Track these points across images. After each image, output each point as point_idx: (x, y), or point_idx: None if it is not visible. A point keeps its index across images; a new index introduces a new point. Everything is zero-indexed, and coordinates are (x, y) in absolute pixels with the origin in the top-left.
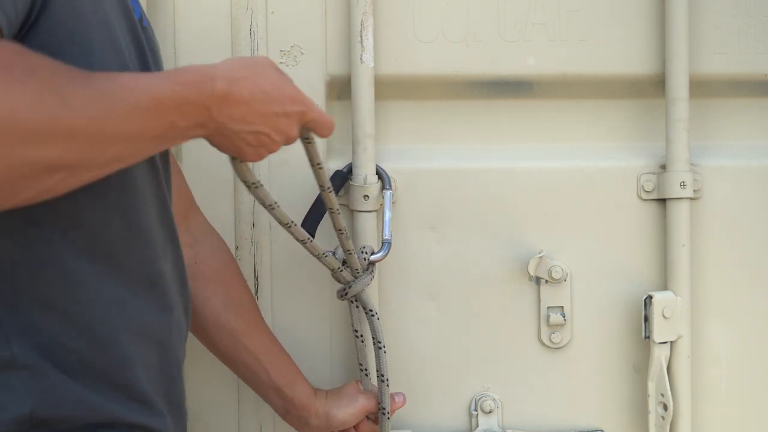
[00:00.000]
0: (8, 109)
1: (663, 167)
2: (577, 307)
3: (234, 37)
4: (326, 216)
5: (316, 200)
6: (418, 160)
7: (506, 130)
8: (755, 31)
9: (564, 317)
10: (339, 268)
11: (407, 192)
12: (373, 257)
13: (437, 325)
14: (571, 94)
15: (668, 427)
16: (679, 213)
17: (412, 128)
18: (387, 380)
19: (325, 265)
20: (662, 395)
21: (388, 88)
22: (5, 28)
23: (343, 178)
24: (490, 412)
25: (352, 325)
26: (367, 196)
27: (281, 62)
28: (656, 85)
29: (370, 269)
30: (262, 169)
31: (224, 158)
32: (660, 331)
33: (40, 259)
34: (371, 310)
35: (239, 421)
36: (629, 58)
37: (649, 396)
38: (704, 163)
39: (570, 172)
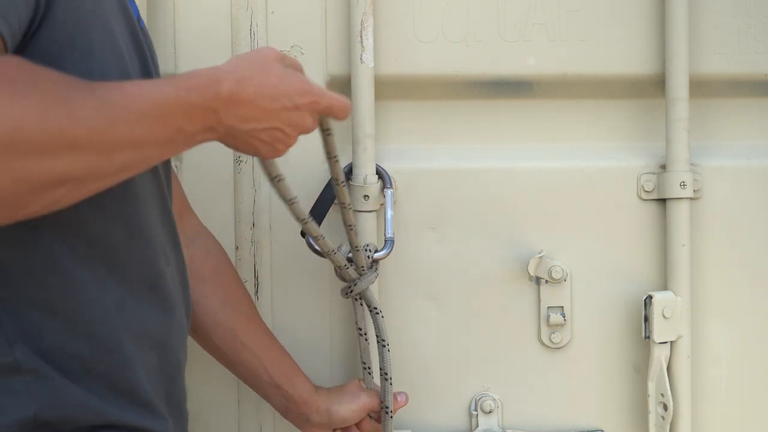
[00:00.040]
0: (12, 123)
1: (663, 167)
2: (577, 307)
3: (234, 37)
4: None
5: (319, 197)
6: (418, 160)
7: (506, 130)
8: (755, 31)
9: (564, 317)
10: (345, 265)
11: (407, 192)
12: (376, 255)
13: (437, 325)
14: (571, 94)
15: (668, 427)
16: (679, 213)
17: (412, 128)
18: (390, 379)
19: (333, 261)
20: (662, 395)
21: (388, 88)
22: (9, 39)
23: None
24: (490, 412)
25: (356, 323)
26: (367, 196)
27: None
28: (656, 85)
29: (374, 267)
30: None
31: (224, 158)
32: (660, 331)
33: (41, 263)
34: (376, 308)
35: (239, 421)
36: (629, 58)
37: (649, 396)
38: (704, 163)
39: (570, 172)
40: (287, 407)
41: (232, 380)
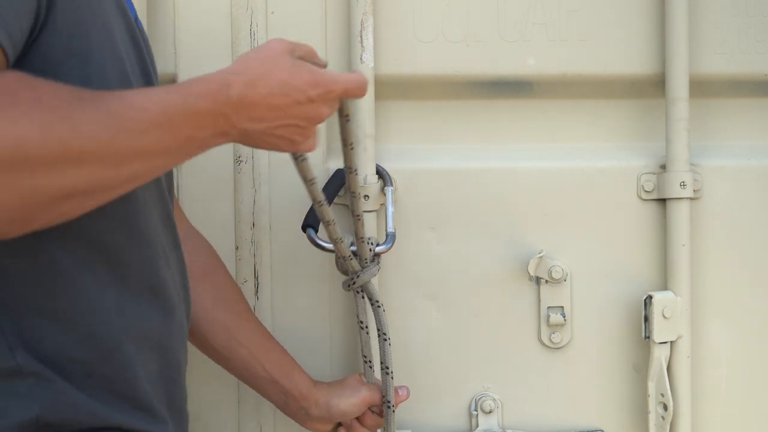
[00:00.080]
0: (15, 141)
1: (663, 167)
2: (577, 307)
3: (234, 37)
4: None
5: (327, 183)
6: (418, 160)
7: (506, 130)
8: (755, 31)
9: (564, 317)
10: (350, 255)
11: (407, 192)
12: (378, 248)
13: (437, 325)
14: (571, 94)
15: (668, 427)
16: (679, 213)
17: (412, 128)
18: (392, 373)
19: (338, 251)
20: (662, 395)
21: (388, 88)
22: (10, 52)
23: (344, 177)
24: (490, 412)
25: (357, 316)
26: (368, 196)
27: None
28: (656, 85)
29: (376, 260)
30: (262, 168)
31: (224, 158)
32: (660, 331)
33: (41, 267)
34: (377, 302)
35: (239, 421)
36: (629, 58)
37: (649, 396)
38: (704, 163)
39: (570, 172)
40: (286, 402)
41: (232, 380)
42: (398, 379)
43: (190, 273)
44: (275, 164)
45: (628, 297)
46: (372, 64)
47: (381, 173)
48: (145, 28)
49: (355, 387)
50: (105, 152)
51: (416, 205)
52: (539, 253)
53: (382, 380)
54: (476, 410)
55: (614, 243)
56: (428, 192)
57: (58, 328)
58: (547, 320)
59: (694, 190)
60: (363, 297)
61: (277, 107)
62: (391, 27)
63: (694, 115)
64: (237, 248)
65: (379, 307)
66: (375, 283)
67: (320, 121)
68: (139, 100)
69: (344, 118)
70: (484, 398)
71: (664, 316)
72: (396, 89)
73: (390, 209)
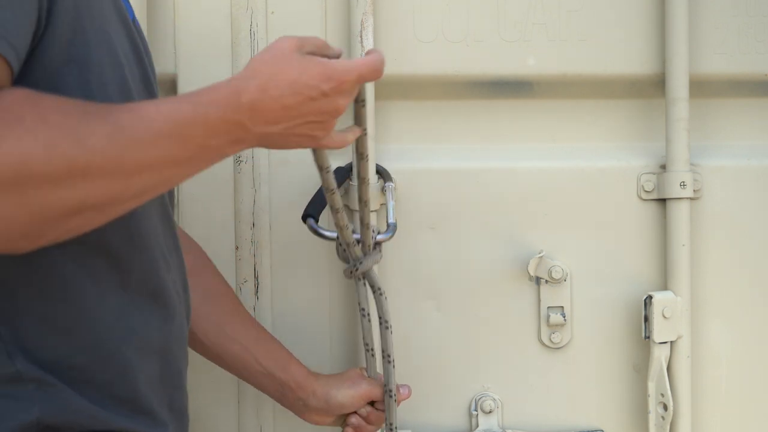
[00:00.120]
0: (21, 159)
1: (663, 167)
2: (577, 307)
3: (234, 37)
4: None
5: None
6: (418, 160)
7: (506, 130)
8: (755, 31)
9: (564, 317)
10: (354, 242)
11: (407, 192)
12: (379, 237)
13: (437, 325)
14: (571, 94)
15: (668, 427)
16: (679, 213)
17: (412, 128)
18: (393, 361)
19: (343, 237)
20: (662, 395)
21: (388, 88)
22: (15, 65)
23: (345, 174)
24: (490, 412)
25: (359, 303)
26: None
27: None
28: (656, 85)
29: (377, 248)
30: (262, 168)
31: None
32: (660, 331)
33: (41, 274)
34: (379, 289)
35: (239, 421)
36: (629, 58)
37: (649, 396)
38: (704, 163)
39: (570, 172)
40: (283, 394)
41: (232, 380)
42: (398, 378)
43: None
44: (275, 164)
45: (628, 297)
46: None
47: (380, 172)
48: (145, 28)
49: (354, 380)
50: (112, 166)
51: (416, 205)
52: (539, 253)
53: (384, 369)
54: (476, 410)
55: (614, 243)
56: (428, 192)
57: (57, 334)
58: (547, 320)
59: (694, 190)
60: (365, 284)
61: (291, 107)
62: (391, 27)
63: (694, 115)
64: (237, 248)
65: (381, 294)
66: (376, 270)
67: (338, 113)
68: (148, 111)
69: (359, 103)
70: (484, 398)
71: (664, 316)
72: (396, 89)
73: (391, 203)
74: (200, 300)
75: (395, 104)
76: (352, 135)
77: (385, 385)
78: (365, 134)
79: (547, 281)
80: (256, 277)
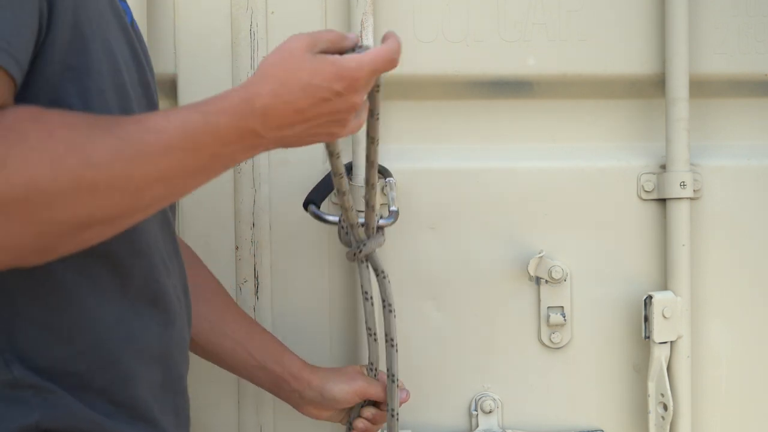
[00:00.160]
0: (27, 177)
1: (663, 167)
2: (577, 307)
3: (234, 37)
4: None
5: (326, 177)
6: (418, 160)
7: (506, 130)
8: (755, 31)
9: (564, 317)
10: (358, 223)
11: (407, 192)
12: (381, 221)
13: (437, 325)
14: (571, 94)
15: (668, 427)
16: (679, 213)
17: (412, 128)
18: (396, 345)
19: (348, 219)
20: (662, 395)
21: (388, 88)
22: (19, 79)
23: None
24: (490, 412)
25: (362, 286)
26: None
27: None
28: (656, 85)
29: (380, 232)
30: (262, 168)
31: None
32: (660, 331)
33: (39, 281)
34: (383, 272)
35: (239, 421)
36: (629, 58)
37: (649, 396)
38: (704, 163)
39: (570, 172)
40: (278, 386)
41: (232, 380)
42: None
43: None
44: (275, 164)
45: (628, 297)
46: None
47: (381, 170)
48: (145, 28)
49: (351, 376)
50: (120, 180)
51: (416, 205)
52: (539, 253)
53: (387, 388)
54: (476, 410)
55: (614, 243)
56: (428, 192)
57: (55, 341)
58: (547, 320)
59: (694, 190)
60: (367, 267)
61: (305, 110)
62: (391, 27)
63: (694, 115)
64: (237, 248)
65: (384, 278)
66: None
67: (354, 109)
68: (157, 122)
69: (374, 89)
70: (484, 398)
71: (664, 316)
72: (396, 89)
73: (392, 193)
74: (192, 299)
75: (395, 104)
76: (364, 114)
77: (387, 369)
78: (377, 119)
79: (547, 281)
80: (256, 277)
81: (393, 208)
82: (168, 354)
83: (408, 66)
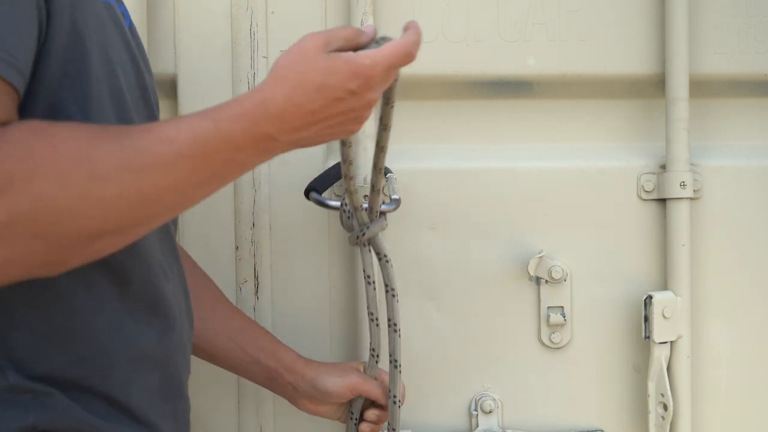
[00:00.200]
0: (34, 195)
1: (663, 167)
2: (577, 307)
3: (234, 37)
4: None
5: (327, 170)
6: (418, 160)
7: (506, 130)
8: (755, 31)
9: (564, 317)
10: (362, 206)
11: (407, 192)
12: (384, 207)
13: (437, 325)
14: (571, 94)
15: (668, 427)
16: (679, 213)
17: (412, 128)
18: (400, 366)
19: (353, 201)
20: (662, 395)
21: None
22: (21, 89)
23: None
24: (490, 412)
25: (364, 270)
26: (368, 196)
27: None
28: (656, 85)
29: (383, 217)
30: (262, 168)
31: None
32: (660, 331)
33: (37, 288)
34: (385, 256)
35: (239, 421)
36: (629, 58)
37: (649, 396)
38: (704, 163)
39: (570, 172)
40: (273, 379)
41: (232, 380)
42: None
43: None
44: (275, 164)
45: (628, 297)
46: None
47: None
48: (145, 28)
49: (346, 370)
50: (128, 192)
51: (416, 205)
52: (539, 253)
53: (390, 374)
54: (476, 410)
55: (614, 243)
56: (428, 192)
57: (53, 348)
58: (547, 320)
59: (694, 190)
60: (370, 251)
61: (319, 111)
62: (391, 27)
63: (694, 115)
64: (237, 248)
65: (387, 261)
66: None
67: (370, 107)
68: (167, 131)
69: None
70: (484, 398)
71: (664, 316)
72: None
73: (393, 185)
74: None
75: (395, 104)
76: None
77: (390, 355)
78: (392, 107)
79: (547, 281)
80: (256, 277)
81: (395, 196)
82: (167, 359)
83: (408, 66)
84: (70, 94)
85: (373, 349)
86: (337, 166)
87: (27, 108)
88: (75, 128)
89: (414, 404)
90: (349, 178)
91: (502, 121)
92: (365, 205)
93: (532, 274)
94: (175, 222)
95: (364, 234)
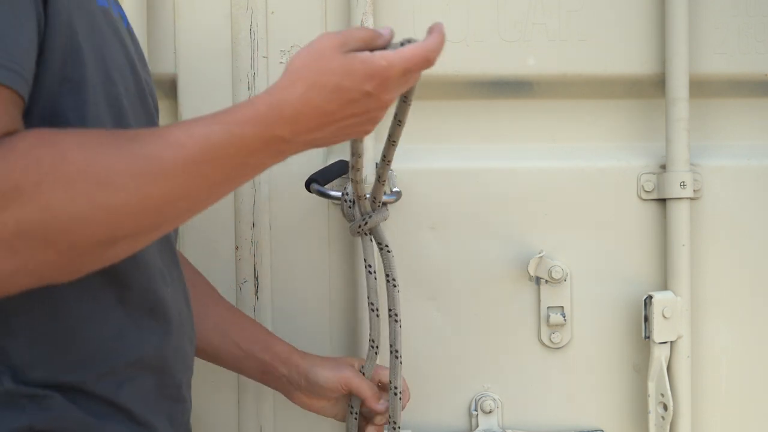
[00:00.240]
0: (43, 205)
1: (663, 167)
2: (577, 307)
3: (234, 37)
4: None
5: (328, 166)
6: (418, 160)
7: (506, 130)
8: (755, 31)
9: (564, 317)
10: (365, 196)
11: (407, 192)
12: (385, 198)
13: (437, 325)
14: (571, 94)
15: (668, 427)
16: (679, 213)
17: (412, 128)
18: (401, 357)
19: (357, 191)
20: (662, 395)
21: None
22: (26, 96)
23: (347, 166)
24: (490, 412)
25: (365, 259)
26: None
27: (281, 62)
28: (656, 85)
29: (384, 207)
30: None
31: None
32: (660, 331)
33: (34, 295)
34: (387, 246)
35: (239, 421)
36: (629, 58)
37: (649, 396)
38: (704, 163)
39: (570, 172)
40: (267, 372)
41: (232, 380)
42: None
43: None
44: (275, 164)
45: (628, 297)
46: None
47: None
48: (145, 28)
49: (339, 364)
50: (139, 199)
51: (416, 205)
52: (539, 253)
53: (390, 365)
54: (476, 410)
55: (614, 243)
56: (428, 192)
57: (50, 353)
58: (547, 320)
59: (694, 190)
60: (371, 240)
61: (333, 112)
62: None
63: (694, 115)
64: (237, 248)
65: (388, 251)
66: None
67: (385, 108)
68: (177, 136)
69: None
70: (484, 398)
71: (664, 316)
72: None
73: (393, 180)
74: None
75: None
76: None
77: (390, 345)
78: (409, 104)
79: (547, 281)
80: (256, 277)
81: (396, 188)
82: (165, 362)
83: None
84: (68, 100)
85: (373, 340)
86: (339, 162)
87: (26, 114)
88: (83, 135)
89: (414, 404)
90: (357, 169)
91: (502, 121)
92: (368, 195)
93: (532, 274)
94: (175, 228)
95: (366, 223)
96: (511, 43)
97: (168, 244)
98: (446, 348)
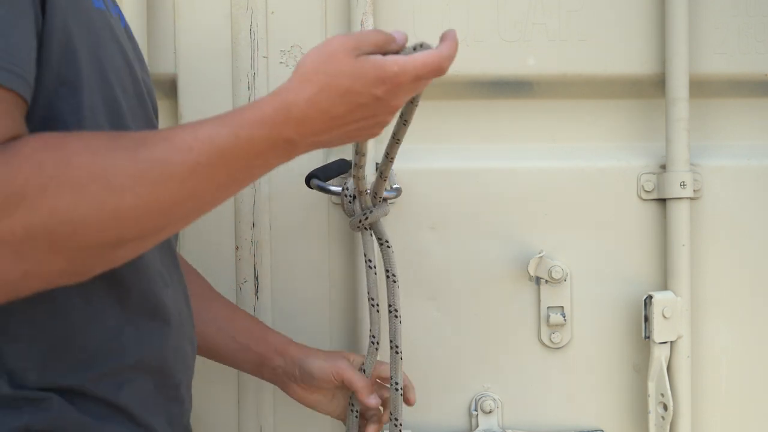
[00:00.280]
0: (48, 209)
1: (663, 167)
2: (577, 307)
3: (234, 37)
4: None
5: (329, 164)
6: (418, 160)
7: (506, 130)
8: (755, 31)
9: (564, 317)
10: (366, 191)
11: (407, 192)
12: (386, 193)
13: (437, 325)
14: (571, 94)
15: (668, 427)
16: (679, 213)
17: (412, 128)
18: (401, 352)
19: (359, 186)
20: (662, 395)
21: None
22: (27, 95)
23: (348, 165)
24: (490, 412)
25: (365, 254)
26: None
27: (281, 62)
28: (656, 85)
29: (385, 203)
30: None
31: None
32: (660, 331)
33: (32, 301)
34: (387, 241)
35: (239, 421)
36: (629, 58)
37: (649, 396)
38: (704, 163)
39: (570, 172)
40: (263, 364)
41: (232, 380)
42: None
43: None
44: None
45: (628, 297)
46: None
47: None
48: (145, 28)
49: (334, 356)
50: (145, 203)
51: (416, 205)
52: (539, 253)
53: (391, 360)
54: (476, 410)
55: (614, 243)
56: (428, 192)
57: (48, 357)
58: (547, 320)
59: (694, 190)
60: (371, 235)
61: (342, 116)
62: (391, 27)
63: (694, 115)
64: (237, 248)
65: (388, 247)
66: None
67: (394, 112)
68: (183, 139)
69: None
70: (484, 398)
71: (664, 316)
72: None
73: (393, 177)
74: None
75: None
76: None
77: (390, 341)
78: (416, 105)
79: (547, 281)
80: (256, 277)
81: (396, 185)
82: (165, 363)
83: None
84: (66, 103)
85: (373, 336)
86: (339, 161)
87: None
88: (87, 139)
89: (414, 404)
90: (359, 167)
91: (502, 121)
92: (369, 190)
93: (532, 274)
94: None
95: (367, 218)
96: (511, 43)
97: (168, 245)
98: (446, 348)
